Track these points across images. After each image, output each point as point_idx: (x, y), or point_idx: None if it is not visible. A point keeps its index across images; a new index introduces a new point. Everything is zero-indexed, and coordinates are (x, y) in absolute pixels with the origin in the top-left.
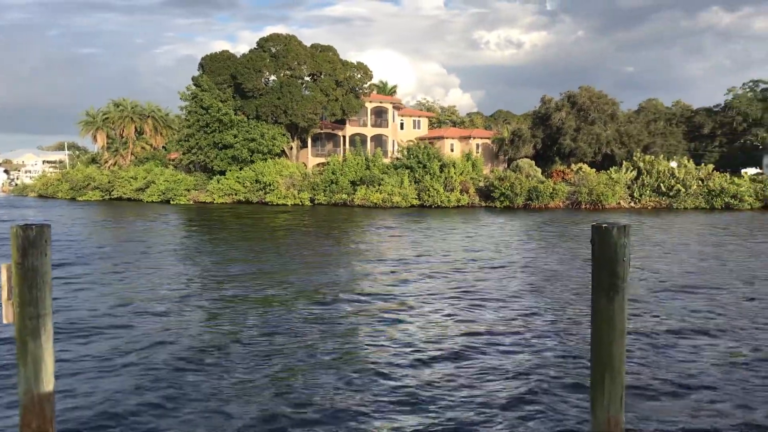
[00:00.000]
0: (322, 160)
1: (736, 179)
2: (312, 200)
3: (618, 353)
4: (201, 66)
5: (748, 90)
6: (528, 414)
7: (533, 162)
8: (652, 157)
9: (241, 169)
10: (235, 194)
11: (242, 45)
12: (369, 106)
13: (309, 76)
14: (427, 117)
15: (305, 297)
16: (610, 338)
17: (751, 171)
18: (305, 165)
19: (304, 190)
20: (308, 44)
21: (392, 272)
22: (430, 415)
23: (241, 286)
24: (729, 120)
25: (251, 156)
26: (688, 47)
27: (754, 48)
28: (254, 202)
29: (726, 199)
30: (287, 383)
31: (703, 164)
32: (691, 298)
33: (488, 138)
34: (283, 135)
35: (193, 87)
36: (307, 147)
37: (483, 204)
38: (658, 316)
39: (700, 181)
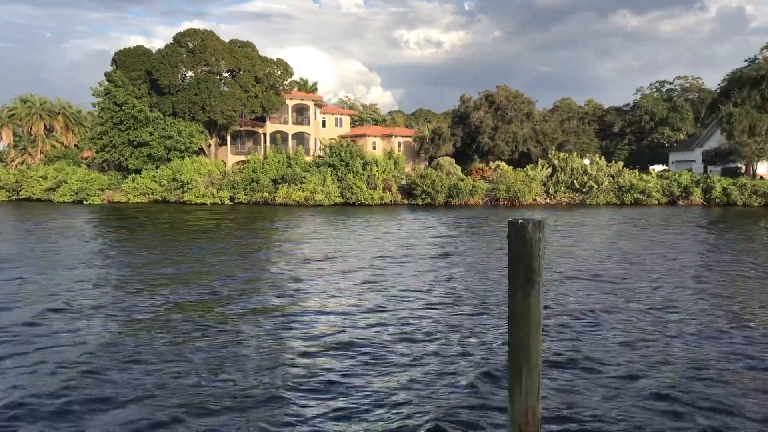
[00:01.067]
0: (242, 158)
1: (644, 176)
2: (232, 199)
3: (534, 346)
4: (114, 61)
5: (654, 90)
6: (447, 406)
7: (453, 160)
8: (566, 154)
9: (157, 167)
10: (152, 193)
11: (157, 40)
12: (290, 103)
13: (228, 72)
14: (349, 115)
15: (211, 294)
16: (527, 331)
17: (658, 168)
18: (224, 163)
19: (223, 188)
20: (226, 40)
21: (305, 268)
22: (345, 406)
23: (142, 285)
24: (637, 119)
25: (168, 154)
26: (599, 48)
27: (661, 50)
28: (172, 202)
29: (635, 195)
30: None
31: (613, 161)
32: (604, 289)
33: (410, 136)
34: (201, 132)
35: (106, 83)
36: (226, 144)
37: (405, 201)
38: (572, 308)
39: (611, 178)
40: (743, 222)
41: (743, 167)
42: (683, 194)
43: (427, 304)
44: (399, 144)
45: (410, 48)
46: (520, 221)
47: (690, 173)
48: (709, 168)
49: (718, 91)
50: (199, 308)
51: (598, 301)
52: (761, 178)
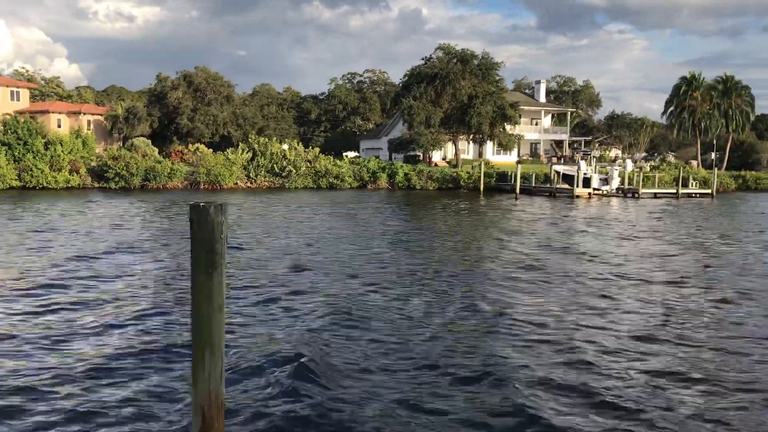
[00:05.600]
0: None
1: (338, 161)
2: None
3: (217, 328)
4: None
5: (347, 82)
6: (132, 395)
7: (150, 141)
8: (266, 139)
9: None
10: None
11: None
12: None
13: None
14: (27, 88)
15: None
16: (210, 314)
17: (351, 154)
18: None
19: None
20: None
21: None
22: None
23: None
24: (332, 108)
25: None
26: (294, 37)
27: (351, 44)
28: None
29: (330, 180)
30: None
31: (311, 147)
32: (286, 267)
33: (101, 114)
34: None
35: None
36: None
37: (96, 185)
38: (260, 287)
39: (308, 163)
40: (416, 201)
41: (421, 155)
42: (372, 179)
43: (106, 293)
44: (89, 122)
45: (99, 20)
46: (201, 204)
47: (377, 160)
48: (393, 155)
49: (401, 85)
50: None
51: (296, 281)
52: (435, 165)
